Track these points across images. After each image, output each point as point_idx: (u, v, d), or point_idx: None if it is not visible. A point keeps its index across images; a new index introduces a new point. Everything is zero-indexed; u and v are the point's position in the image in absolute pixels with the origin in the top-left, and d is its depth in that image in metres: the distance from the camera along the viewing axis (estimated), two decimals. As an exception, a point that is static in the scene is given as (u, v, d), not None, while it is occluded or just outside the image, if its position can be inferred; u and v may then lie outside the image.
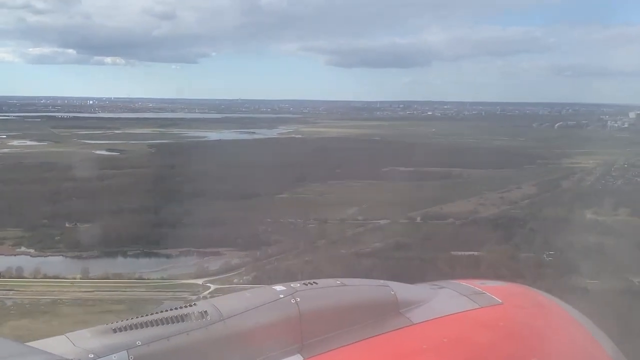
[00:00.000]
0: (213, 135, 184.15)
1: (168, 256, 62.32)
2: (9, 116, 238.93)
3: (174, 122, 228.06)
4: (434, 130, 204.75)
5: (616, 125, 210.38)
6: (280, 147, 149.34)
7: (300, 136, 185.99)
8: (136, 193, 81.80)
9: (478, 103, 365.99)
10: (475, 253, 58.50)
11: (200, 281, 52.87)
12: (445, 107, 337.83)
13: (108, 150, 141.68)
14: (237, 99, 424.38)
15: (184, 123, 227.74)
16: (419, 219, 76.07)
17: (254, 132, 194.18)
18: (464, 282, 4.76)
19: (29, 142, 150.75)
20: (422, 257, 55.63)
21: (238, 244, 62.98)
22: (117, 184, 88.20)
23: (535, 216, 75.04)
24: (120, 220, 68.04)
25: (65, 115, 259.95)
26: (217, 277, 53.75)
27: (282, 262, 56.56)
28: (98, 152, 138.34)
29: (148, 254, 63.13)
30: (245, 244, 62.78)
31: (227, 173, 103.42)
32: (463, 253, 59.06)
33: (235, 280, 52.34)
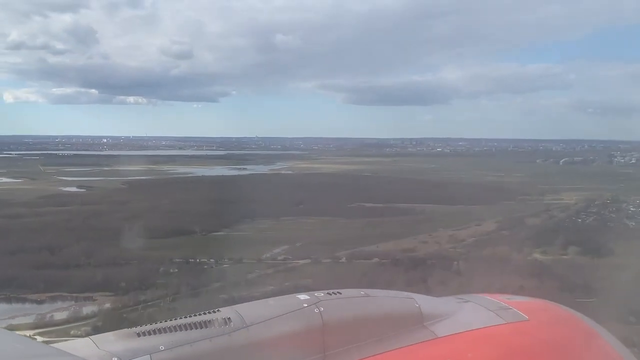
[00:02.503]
0: (201, 171, 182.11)
1: (37, 302, 56.11)
2: (10, 154, 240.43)
3: (171, 159, 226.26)
4: (433, 166, 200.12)
5: (622, 161, 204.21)
6: (258, 183, 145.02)
7: (290, 172, 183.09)
8: (53, 231, 77.12)
9: (494, 140, 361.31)
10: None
11: (30, 332, 46.94)
12: (460, 144, 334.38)
13: (78, 187, 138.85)
14: (254, 137, 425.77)
15: (181, 160, 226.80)
16: (344, 258, 69.92)
17: (245, 168, 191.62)
18: (489, 297, 4.62)
19: (4, 180, 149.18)
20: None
21: (119, 287, 57.19)
22: (43, 221, 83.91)
23: (470, 256, 68.47)
24: (4, 261, 62.61)
25: (67, 153, 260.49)
26: (54, 328, 47.80)
27: (146, 310, 50.63)
28: (66, 188, 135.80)
29: (14, 299, 57.15)
30: (127, 287, 57.02)
31: (178, 209, 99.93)
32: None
33: (72, 332, 46.16)
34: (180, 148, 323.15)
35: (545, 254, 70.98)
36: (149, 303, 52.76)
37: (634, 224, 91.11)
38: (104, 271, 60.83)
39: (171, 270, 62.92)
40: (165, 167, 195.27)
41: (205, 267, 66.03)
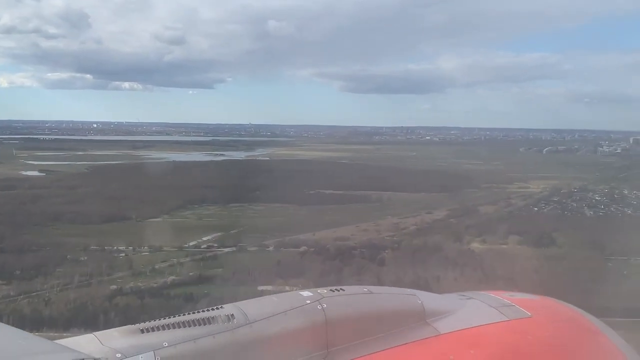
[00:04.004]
0: (175, 156, 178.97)
1: None
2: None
3: (152, 145, 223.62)
4: (414, 154, 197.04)
5: (607, 150, 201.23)
6: (224, 169, 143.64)
7: (266, 158, 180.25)
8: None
9: (487, 129, 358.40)
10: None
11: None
12: (452, 132, 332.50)
13: (40, 171, 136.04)
14: (248, 124, 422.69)
15: (162, 145, 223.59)
16: (271, 247, 66.54)
17: (222, 154, 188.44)
18: (493, 294, 4.61)
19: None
20: (194, 293, 46.03)
21: (12, 275, 53.38)
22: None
23: (401, 246, 65.20)
24: None
25: (49, 137, 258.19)
26: None
27: (25, 300, 47.08)
28: (26, 172, 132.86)
29: None
30: (20, 276, 53.27)
31: (124, 194, 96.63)
32: (265, 288, 49.09)
33: None
34: (167, 134, 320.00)
35: (484, 243, 67.89)
36: (33, 293, 49.14)
37: (592, 212, 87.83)
38: (5, 258, 57.28)
39: (80, 259, 59.25)
40: (141, 153, 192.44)
41: (119, 255, 62.53)
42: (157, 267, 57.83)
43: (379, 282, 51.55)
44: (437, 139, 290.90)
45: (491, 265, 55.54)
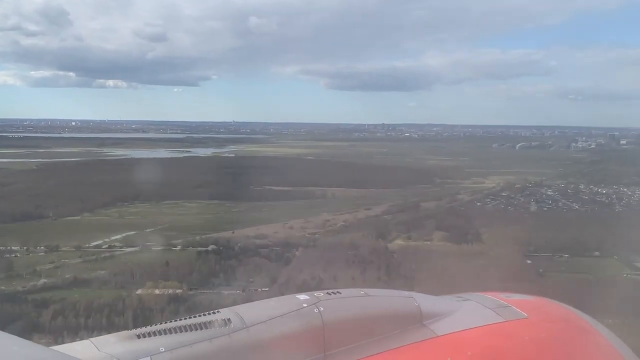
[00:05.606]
0: (138, 153, 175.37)
1: None
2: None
3: (121, 142, 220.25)
4: (385, 150, 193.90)
5: (580, 146, 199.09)
6: (178, 166, 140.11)
7: (231, 155, 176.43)
8: None
9: (471, 126, 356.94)
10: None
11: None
12: (434, 129, 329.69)
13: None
14: (232, 122, 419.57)
15: (130, 143, 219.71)
16: (179, 246, 62.32)
17: (188, 152, 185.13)
18: (489, 295, 4.60)
19: None
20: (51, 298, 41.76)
21: None
22: None
23: (316, 244, 61.29)
24: None
25: (17, 135, 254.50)
26: None
27: None
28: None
29: None
30: None
31: (52, 192, 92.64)
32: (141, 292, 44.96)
33: None
34: (144, 131, 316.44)
35: (408, 239, 64.13)
36: None
37: (536, 207, 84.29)
38: None
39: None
40: (105, 150, 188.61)
41: (7, 255, 58.22)
42: (38, 269, 53.47)
43: (272, 282, 47.69)
44: (416, 136, 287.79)
45: (400, 262, 51.81)
